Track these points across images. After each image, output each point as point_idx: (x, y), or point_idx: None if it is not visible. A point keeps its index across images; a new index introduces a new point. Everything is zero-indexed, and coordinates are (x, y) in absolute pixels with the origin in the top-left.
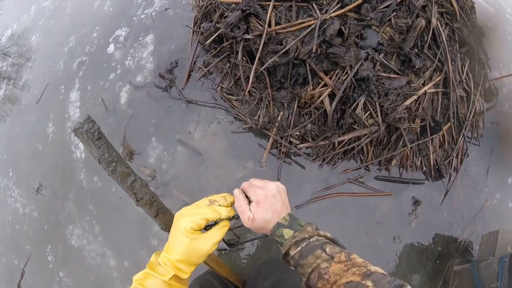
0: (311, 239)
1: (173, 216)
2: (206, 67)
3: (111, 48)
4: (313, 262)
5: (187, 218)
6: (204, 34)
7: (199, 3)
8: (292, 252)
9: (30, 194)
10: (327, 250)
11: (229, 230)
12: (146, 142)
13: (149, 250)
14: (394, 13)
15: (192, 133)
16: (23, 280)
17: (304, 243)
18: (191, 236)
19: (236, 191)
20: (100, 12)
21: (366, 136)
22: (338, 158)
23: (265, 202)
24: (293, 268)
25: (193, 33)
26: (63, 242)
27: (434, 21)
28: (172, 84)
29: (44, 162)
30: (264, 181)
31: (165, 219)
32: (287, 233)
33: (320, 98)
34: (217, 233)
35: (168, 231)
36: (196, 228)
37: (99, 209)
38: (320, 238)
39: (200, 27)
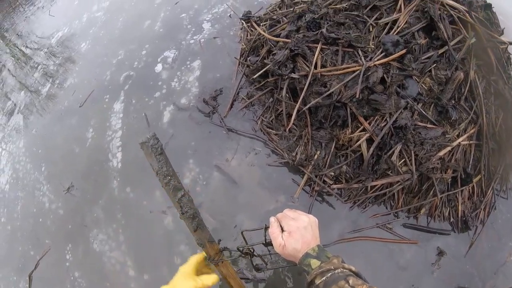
0: (336, 271)
1: (209, 233)
2: (249, 99)
3: (158, 67)
4: None
5: None
6: (251, 67)
7: (248, 36)
8: (317, 281)
9: (60, 192)
10: (350, 281)
11: (257, 256)
12: (183, 163)
13: (171, 268)
14: (435, 65)
15: (229, 160)
16: (36, 271)
17: (329, 274)
18: None
19: (272, 219)
20: (150, 31)
21: (399, 183)
22: (369, 202)
23: (296, 232)
24: None
25: (239, 65)
26: (85, 244)
27: (472, 73)
28: (214, 111)
29: (79, 164)
30: (298, 213)
31: (202, 235)
32: (314, 263)
33: (358, 142)
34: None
35: (203, 247)
36: None
37: (127, 219)
38: (344, 270)
39: (246, 59)
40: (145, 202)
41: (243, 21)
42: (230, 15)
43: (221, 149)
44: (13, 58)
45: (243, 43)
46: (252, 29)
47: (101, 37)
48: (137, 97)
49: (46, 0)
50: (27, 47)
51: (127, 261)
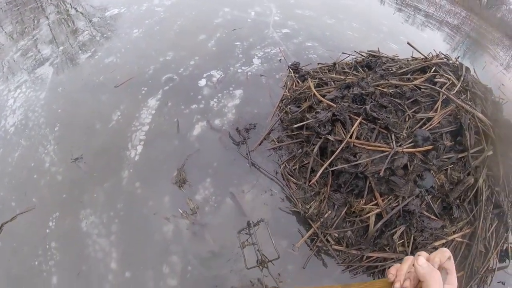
0: None
1: None
2: (278, 143)
3: (202, 82)
4: None
5: None
6: (290, 115)
7: (293, 86)
8: None
9: (66, 159)
10: None
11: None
12: (200, 180)
13: (157, 275)
14: (452, 166)
15: (245, 193)
16: (10, 223)
17: None
18: None
19: (423, 259)
20: (203, 46)
21: (393, 260)
22: (361, 271)
23: None
24: None
25: (278, 108)
26: (73, 219)
27: (481, 182)
28: (244, 142)
29: (95, 140)
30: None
31: None
32: None
33: (368, 214)
34: None
35: None
36: None
37: (127, 212)
38: None
39: (286, 106)
40: (151, 202)
41: (291, 69)
42: (280, 60)
43: (240, 179)
44: (58, 14)
45: (286, 90)
46: (299, 81)
47: (155, 32)
48: (174, 101)
49: None
50: (76, 10)
51: (112, 253)
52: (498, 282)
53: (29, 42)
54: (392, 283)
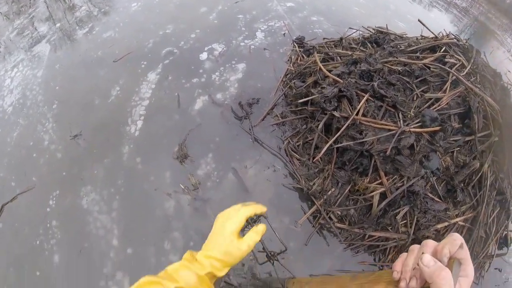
0: None
1: None
2: (282, 118)
3: (203, 55)
4: None
5: (231, 220)
6: (294, 90)
7: (298, 60)
8: None
9: (65, 136)
10: None
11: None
12: (202, 155)
13: (158, 251)
14: (458, 148)
15: (248, 168)
16: (10, 204)
17: None
18: (233, 238)
19: (428, 256)
20: (204, 19)
21: (394, 240)
22: (362, 249)
23: None
24: None
25: (282, 83)
26: (74, 196)
27: (486, 167)
28: (247, 117)
29: (95, 116)
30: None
31: None
32: None
33: (372, 193)
34: (253, 236)
35: None
36: (239, 228)
37: (128, 188)
38: None
39: (291, 81)
40: (153, 178)
41: (295, 44)
42: (284, 34)
43: (242, 154)
44: None
45: (291, 65)
46: (304, 55)
47: (154, 4)
48: (174, 75)
49: None
50: None
51: (114, 229)
52: (495, 269)
53: (25, 21)
54: (398, 281)
